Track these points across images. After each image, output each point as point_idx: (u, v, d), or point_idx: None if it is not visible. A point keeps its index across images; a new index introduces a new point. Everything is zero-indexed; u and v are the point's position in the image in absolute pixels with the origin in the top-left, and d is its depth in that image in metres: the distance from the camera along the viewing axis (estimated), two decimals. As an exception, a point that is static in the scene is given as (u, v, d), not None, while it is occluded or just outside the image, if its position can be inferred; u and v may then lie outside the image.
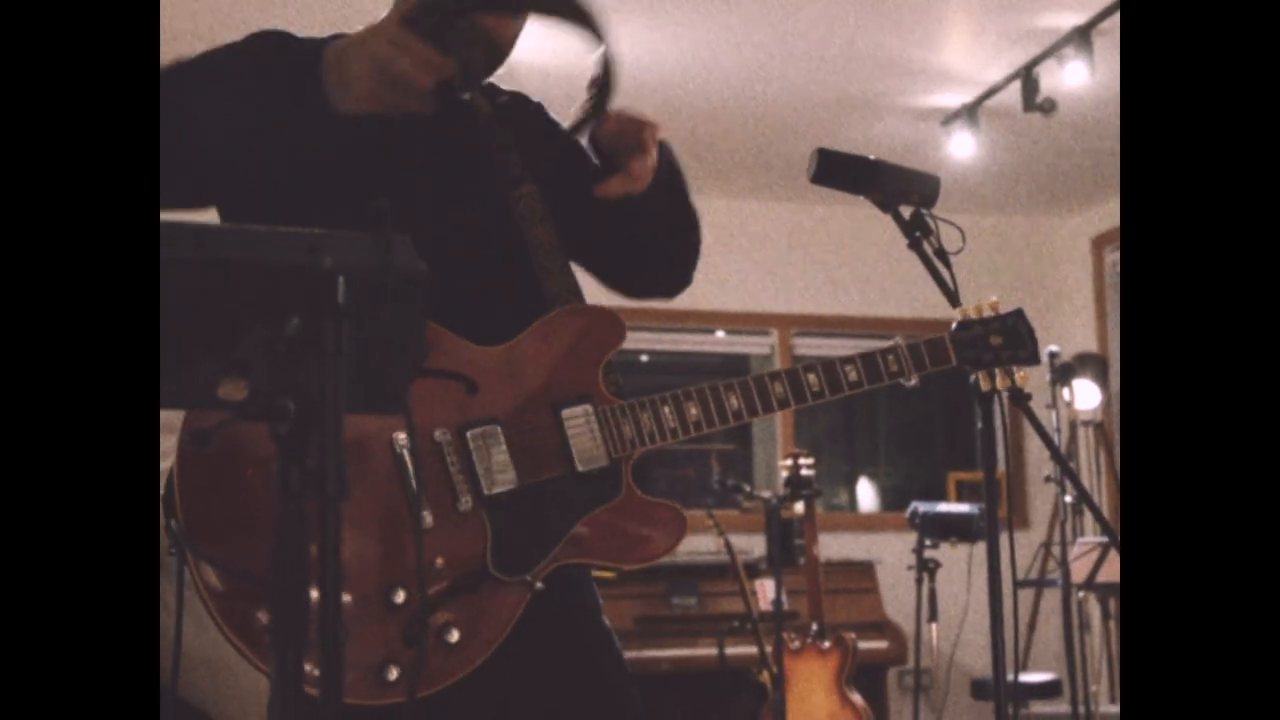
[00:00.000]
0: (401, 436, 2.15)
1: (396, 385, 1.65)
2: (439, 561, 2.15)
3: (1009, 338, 2.55)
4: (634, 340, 8.94)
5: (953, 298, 2.63)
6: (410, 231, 2.23)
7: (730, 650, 6.86)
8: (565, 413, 2.27)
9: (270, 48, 2.30)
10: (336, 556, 1.44)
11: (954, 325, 2.56)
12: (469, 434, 2.20)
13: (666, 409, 2.33)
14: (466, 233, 2.34)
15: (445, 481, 2.18)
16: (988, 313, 2.59)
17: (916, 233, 2.63)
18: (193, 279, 1.48)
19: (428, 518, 2.15)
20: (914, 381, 2.46)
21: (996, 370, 2.55)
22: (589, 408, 2.28)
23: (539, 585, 2.19)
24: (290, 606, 1.47)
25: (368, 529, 2.11)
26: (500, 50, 2.38)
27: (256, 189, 2.24)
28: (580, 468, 2.26)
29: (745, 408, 2.38)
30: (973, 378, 2.57)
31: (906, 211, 2.65)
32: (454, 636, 2.12)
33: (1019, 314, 2.60)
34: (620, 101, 7.66)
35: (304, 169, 2.24)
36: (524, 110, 2.61)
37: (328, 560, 1.44)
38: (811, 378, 2.40)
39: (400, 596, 2.10)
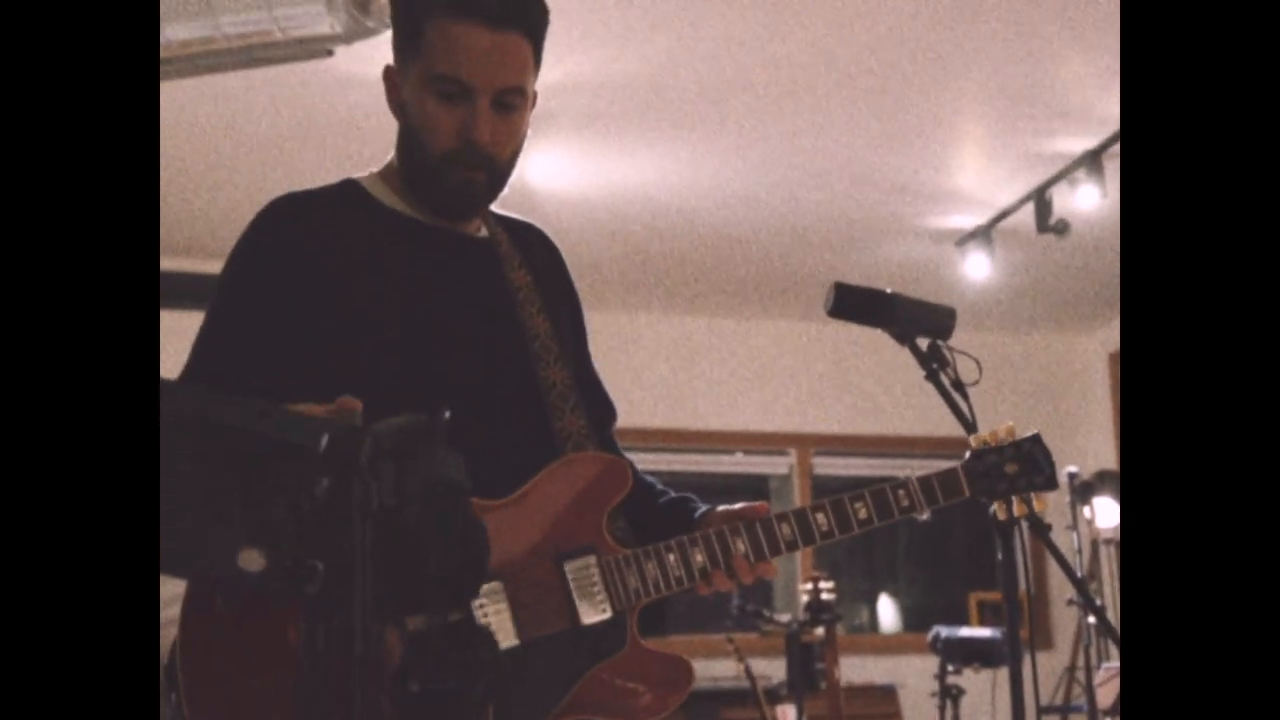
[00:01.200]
0: None
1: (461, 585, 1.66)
2: None
3: (1025, 464, 2.48)
4: (652, 461, 9.01)
5: (970, 428, 2.59)
6: (424, 370, 2.27)
7: (752, 777, 6.81)
8: (568, 565, 2.21)
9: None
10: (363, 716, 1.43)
11: (967, 455, 2.50)
12: None
13: (672, 557, 2.27)
14: (480, 375, 2.32)
15: None
16: (1003, 439, 2.53)
17: (933, 364, 2.58)
18: (218, 449, 1.51)
19: None
20: (926, 516, 2.42)
21: (1014, 498, 2.48)
22: (592, 559, 2.23)
23: None
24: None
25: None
26: (495, 162, 2.34)
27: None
28: (584, 621, 2.20)
29: (753, 552, 2.30)
30: (991, 509, 2.50)
31: (923, 342, 2.64)
32: None
33: (1035, 439, 2.54)
34: (631, 225, 7.69)
35: (325, 336, 2.24)
36: (539, 243, 2.58)
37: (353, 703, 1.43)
38: (820, 517, 2.35)
39: None
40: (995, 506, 2.50)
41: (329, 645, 1.45)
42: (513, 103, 2.29)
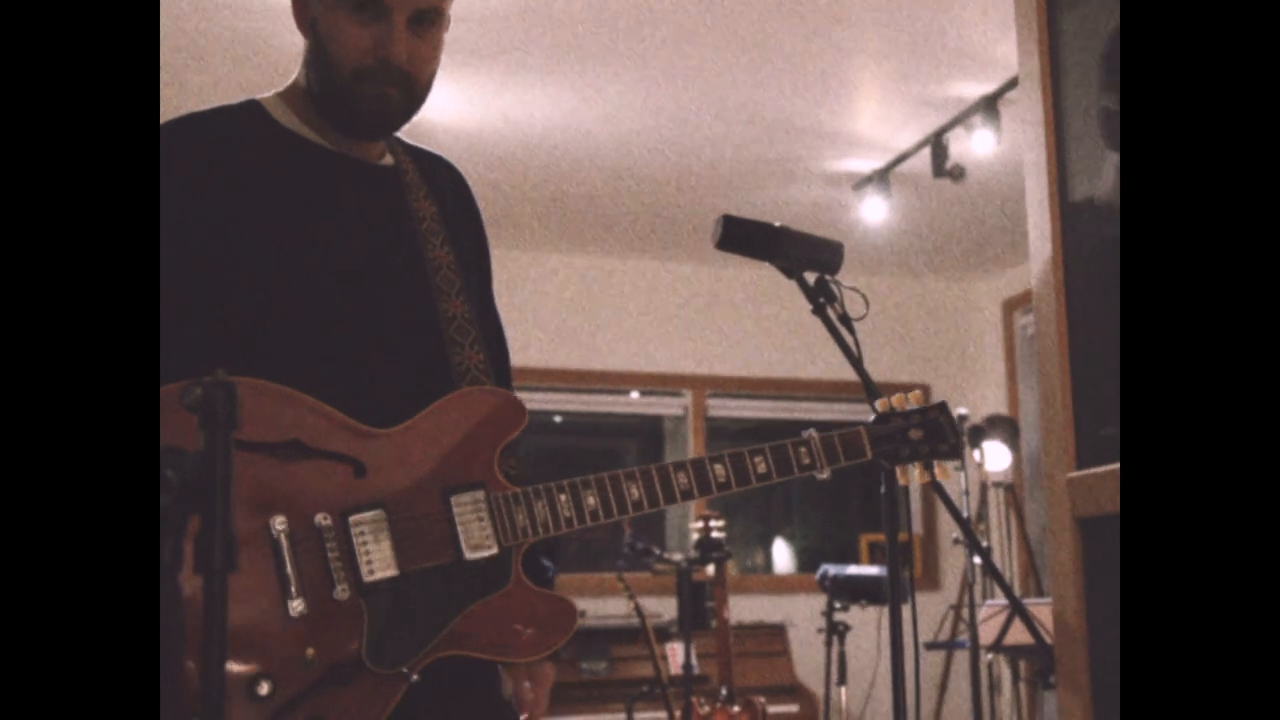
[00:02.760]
0: (279, 520, 2.06)
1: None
2: (310, 652, 2.05)
3: (930, 431, 2.48)
4: (547, 401, 9.04)
5: (856, 363, 2.59)
6: (321, 296, 2.23)
7: (639, 715, 6.83)
8: (455, 499, 2.18)
9: None
10: (223, 635, 1.42)
11: (871, 418, 2.48)
12: (352, 519, 2.12)
13: (563, 497, 2.24)
14: (377, 304, 2.29)
15: (323, 568, 2.08)
16: (911, 405, 2.52)
17: (820, 299, 2.56)
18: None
19: (300, 605, 2.05)
20: (825, 475, 2.39)
21: (915, 465, 2.48)
22: (481, 494, 2.20)
23: (415, 677, 2.10)
24: (174, 698, 1.45)
25: (234, 616, 1.87)
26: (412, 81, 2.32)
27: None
28: (467, 556, 2.17)
29: (646, 499, 2.28)
30: (890, 471, 2.48)
31: (811, 277, 2.63)
32: None
33: (942, 407, 2.54)
34: (528, 161, 7.64)
35: (221, 260, 2.20)
36: (446, 173, 2.55)
37: (213, 639, 1.41)
38: (719, 469, 2.32)
39: (264, 688, 2.01)
40: (897, 471, 2.49)
41: (177, 557, 1.44)
42: (430, 19, 2.27)
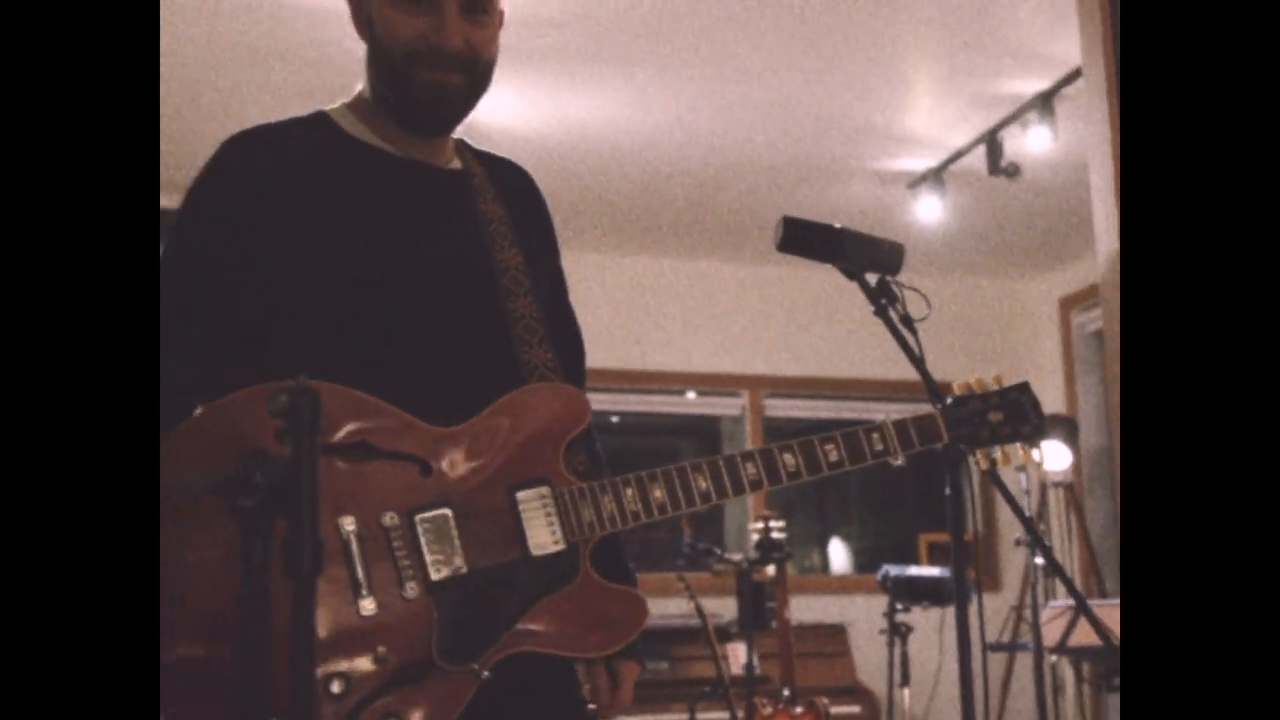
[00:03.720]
0: (349, 521, 2.08)
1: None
2: (381, 650, 2.06)
3: (1011, 413, 2.43)
4: (604, 402, 9.01)
5: (918, 363, 2.56)
6: (389, 300, 2.25)
7: (702, 716, 6.82)
8: (520, 495, 2.19)
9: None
10: (311, 637, 1.43)
11: (949, 400, 2.43)
12: (418, 518, 2.12)
13: (629, 491, 2.23)
14: (446, 305, 2.30)
15: (391, 567, 2.09)
16: (990, 386, 2.48)
17: (882, 300, 2.53)
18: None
19: (371, 605, 2.06)
20: (900, 461, 2.34)
21: (997, 448, 2.43)
22: (546, 490, 2.20)
23: (486, 674, 2.10)
24: (257, 695, 1.46)
25: None
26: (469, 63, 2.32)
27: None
28: (534, 552, 2.17)
29: (715, 490, 2.26)
30: (971, 458, 2.42)
31: (872, 278, 2.62)
32: None
33: (1024, 388, 2.48)
34: (584, 162, 7.63)
35: (292, 270, 2.22)
36: (516, 177, 2.56)
37: (301, 642, 1.43)
38: (788, 458, 2.29)
39: (338, 687, 2.02)
40: (977, 455, 2.43)
41: (264, 558, 1.46)
42: (481, 6, 2.27)
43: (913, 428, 2.37)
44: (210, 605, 1.95)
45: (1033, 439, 2.46)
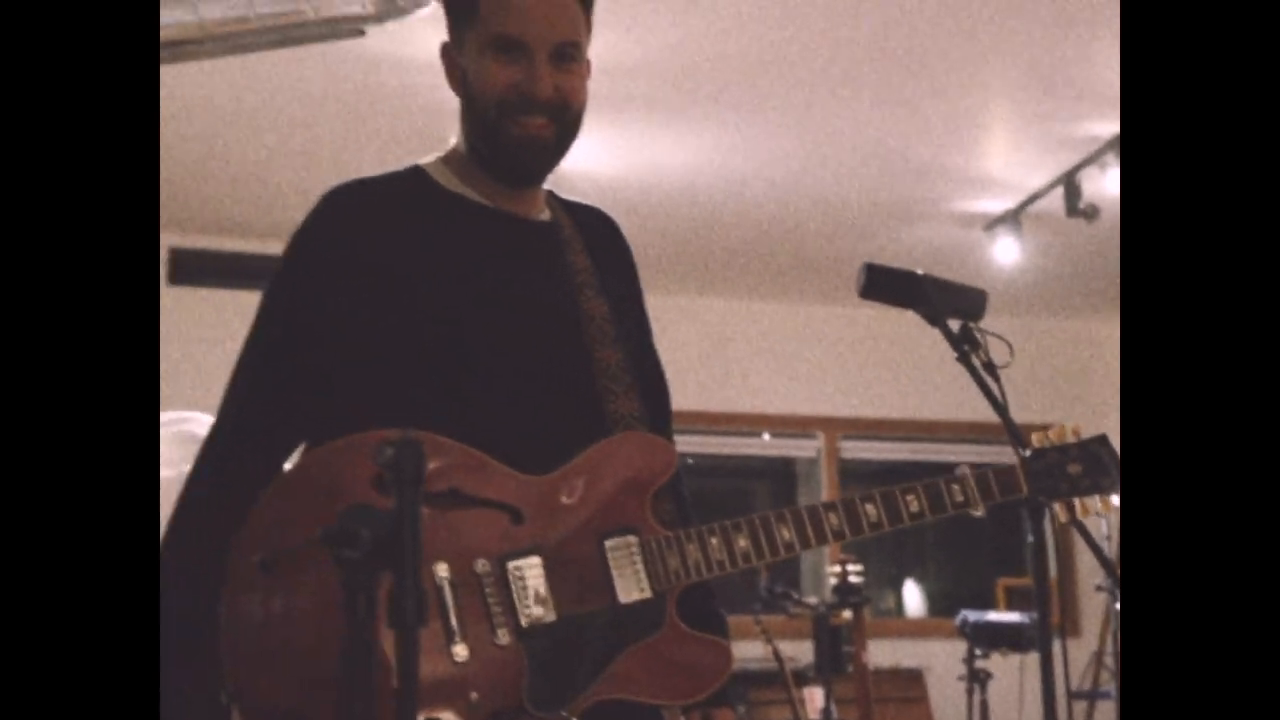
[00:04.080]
0: (442, 568, 2.08)
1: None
2: (474, 696, 2.06)
3: (1090, 465, 2.42)
4: (680, 444, 8.92)
5: (1002, 411, 2.55)
6: (481, 351, 2.26)
7: (778, 760, 6.82)
8: (609, 543, 2.19)
9: None
10: (414, 684, 1.44)
11: (1028, 453, 2.42)
12: (510, 565, 2.13)
13: (714, 540, 2.23)
14: (534, 356, 2.31)
15: (483, 613, 2.09)
16: (1069, 438, 2.47)
17: (965, 346, 2.54)
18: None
19: (463, 651, 2.07)
20: (980, 512, 2.34)
21: (1076, 500, 2.42)
22: (634, 539, 2.21)
23: None
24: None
25: None
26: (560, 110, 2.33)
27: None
28: (622, 600, 2.17)
29: (798, 540, 2.26)
30: (1051, 509, 2.42)
31: (954, 324, 2.62)
32: None
33: (1103, 440, 2.47)
34: (662, 207, 7.64)
35: (389, 324, 2.24)
36: (603, 226, 2.57)
37: (407, 689, 1.44)
38: (870, 508, 2.29)
39: None
40: (1057, 507, 2.43)
41: (369, 610, 1.47)
42: (570, 54, 2.30)
43: (993, 479, 2.37)
44: (313, 653, 1.96)
45: (1110, 491, 2.45)
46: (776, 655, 6.23)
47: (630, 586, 2.20)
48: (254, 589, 2.04)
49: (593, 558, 2.19)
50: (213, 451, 2.22)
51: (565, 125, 2.34)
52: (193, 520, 2.16)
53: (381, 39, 5.28)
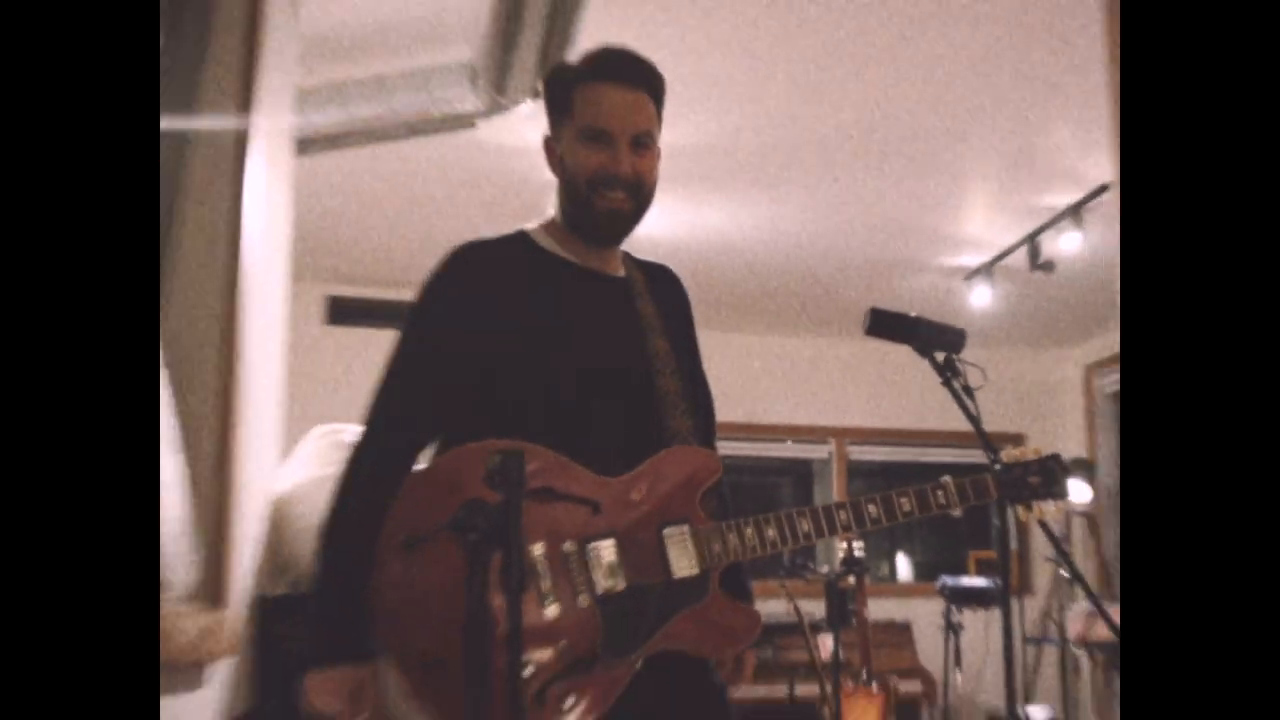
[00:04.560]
0: (538, 547, 2.12)
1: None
2: (562, 644, 2.10)
3: (1045, 477, 2.45)
4: (722, 448, 8.96)
5: (975, 423, 2.55)
6: (568, 379, 2.25)
7: (798, 691, 6.79)
8: (666, 531, 2.21)
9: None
10: (519, 632, 1.46)
11: (998, 467, 2.45)
12: (589, 546, 2.16)
13: (749, 530, 2.25)
14: (610, 383, 2.31)
15: (569, 583, 2.13)
16: (1030, 456, 2.50)
17: (948, 374, 2.56)
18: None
19: (554, 610, 2.11)
20: (958, 513, 2.37)
21: (1034, 503, 2.45)
22: (686, 528, 2.22)
23: (639, 665, 2.14)
24: (478, 680, 1.49)
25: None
26: (637, 187, 2.34)
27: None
28: (676, 575, 2.19)
29: (814, 531, 2.28)
30: (1012, 510, 2.46)
31: (940, 356, 2.61)
32: (569, 704, 2.08)
33: (1055, 458, 2.50)
34: (710, 262, 7.57)
35: (498, 355, 2.25)
36: (666, 279, 2.57)
37: (514, 637, 1.46)
38: (871, 508, 2.32)
39: (529, 671, 2.06)
40: (1019, 508, 2.47)
41: (485, 579, 1.48)
42: (645, 143, 2.32)
43: (970, 488, 2.38)
44: (443, 610, 2.01)
45: (1060, 497, 2.47)
46: (796, 611, 6.21)
47: (682, 565, 2.20)
48: (399, 563, 2.09)
49: (653, 542, 2.20)
50: (362, 452, 2.23)
51: (641, 198, 2.35)
52: (349, 500, 2.18)
53: (489, 130, 5.31)
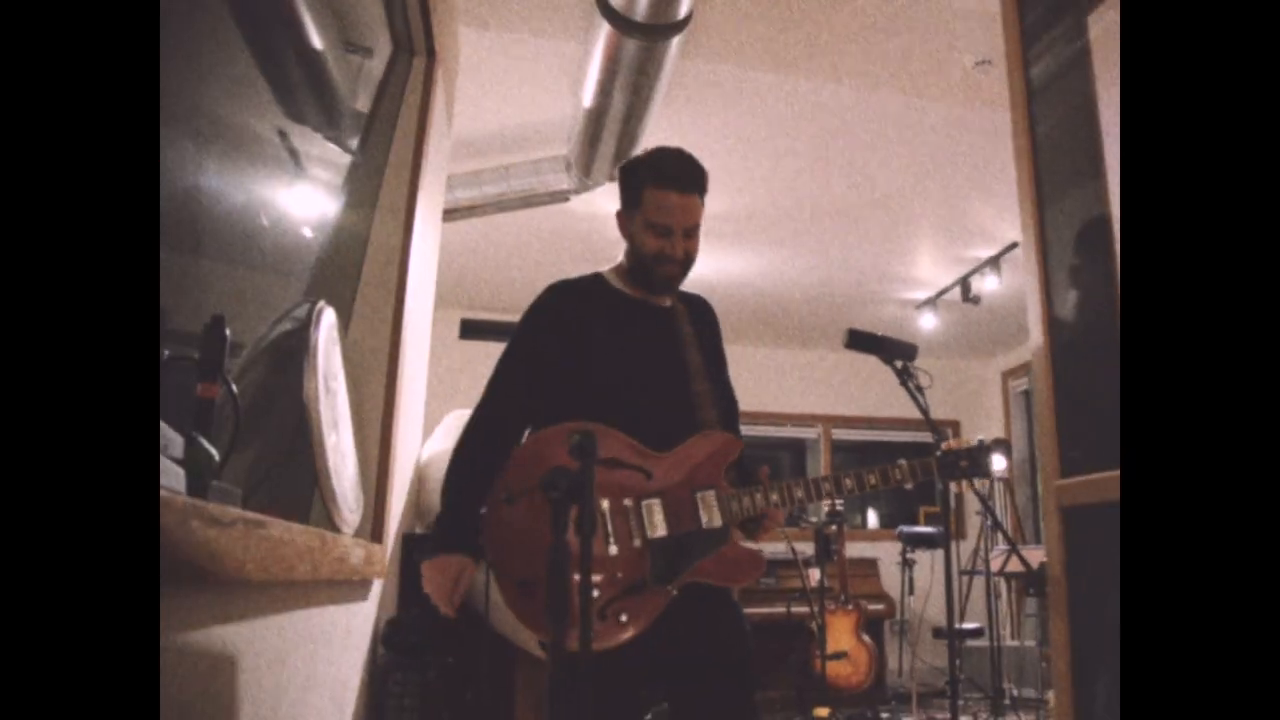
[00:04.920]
0: (604, 502, 2.09)
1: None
2: (619, 574, 2.07)
3: (974, 461, 2.38)
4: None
5: (925, 413, 2.53)
6: (629, 381, 2.21)
7: (793, 609, 6.72)
8: (699, 494, 2.17)
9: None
10: (588, 565, 1.44)
11: (938, 454, 2.38)
12: (643, 502, 2.13)
13: (758, 495, 2.19)
14: (658, 385, 2.26)
15: (627, 529, 2.10)
16: (965, 444, 2.41)
17: (905, 377, 2.53)
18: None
19: (615, 549, 2.08)
20: (910, 486, 2.29)
21: (964, 481, 2.37)
22: (713, 493, 2.17)
23: (675, 592, 2.10)
24: (558, 597, 1.47)
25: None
26: (686, 262, 2.28)
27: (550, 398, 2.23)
28: (704, 526, 2.15)
29: (806, 496, 2.23)
30: (944, 485, 2.42)
31: (899, 363, 2.59)
32: (624, 618, 2.05)
33: (981, 445, 2.42)
34: (735, 295, 7.49)
35: (578, 361, 2.22)
36: (702, 308, 2.50)
37: (585, 568, 1.44)
38: (847, 481, 2.26)
39: (595, 593, 2.03)
40: (950, 484, 2.43)
41: (564, 524, 1.46)
42: (691, 233, 2.27)
43: (919, 468, 2.31)
44: (534, 546, 1.98)
45: (982, 476, 2.41)
46: (792, 550, 6.15)
47: (710, 518, 2.16)
48: (503, 510, 2.06)
49: (689, 501, 2.16)
50: (475, 423, 2.21)
51: (687, 267, 2.30)
52: (466, 457, 2.16)
53: (578, 203, 5.32)
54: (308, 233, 2.68)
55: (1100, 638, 2.05)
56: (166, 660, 1.27)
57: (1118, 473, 1.99)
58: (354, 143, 3.04)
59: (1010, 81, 2.59)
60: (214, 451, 1.42)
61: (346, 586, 2.52)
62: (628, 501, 2.12)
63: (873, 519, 9.66)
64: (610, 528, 2.09)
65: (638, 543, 2.11)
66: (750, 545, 2.24)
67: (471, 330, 7.89)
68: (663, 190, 2.23)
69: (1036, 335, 2.48)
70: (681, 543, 2.14)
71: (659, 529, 2.12)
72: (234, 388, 1.62)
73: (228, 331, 1.50)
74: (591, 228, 5.90)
